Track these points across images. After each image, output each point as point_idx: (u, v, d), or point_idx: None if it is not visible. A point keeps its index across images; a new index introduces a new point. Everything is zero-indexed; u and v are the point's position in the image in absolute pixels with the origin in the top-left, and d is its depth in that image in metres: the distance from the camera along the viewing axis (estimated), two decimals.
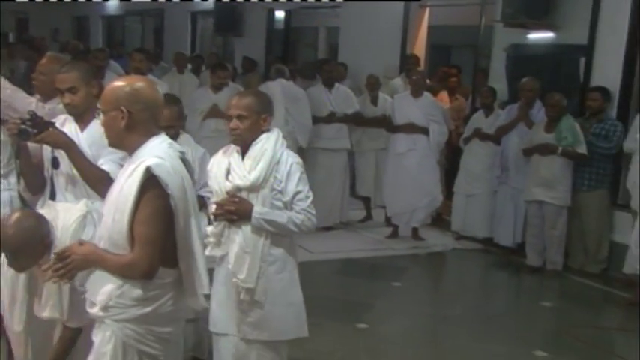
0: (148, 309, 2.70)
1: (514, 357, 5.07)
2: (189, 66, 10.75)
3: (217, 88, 7.80)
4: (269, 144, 3.36)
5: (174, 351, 2.88)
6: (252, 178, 3.32)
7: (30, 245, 2.97)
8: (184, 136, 4.25)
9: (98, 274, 2.72)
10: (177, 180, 2.66)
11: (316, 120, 7.86)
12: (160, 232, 2.64)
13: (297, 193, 3.37)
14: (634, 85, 7.16)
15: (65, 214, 3.15)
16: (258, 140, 3.37)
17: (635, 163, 6.41)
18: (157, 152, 2.66)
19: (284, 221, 3.33)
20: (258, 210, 3.31)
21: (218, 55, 12.99)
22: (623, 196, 6.96)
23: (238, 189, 3.35)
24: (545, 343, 5.34)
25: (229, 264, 3.39)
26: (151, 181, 2.60)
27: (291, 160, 3.38)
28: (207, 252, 3.43)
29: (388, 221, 8.13)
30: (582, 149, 6.74)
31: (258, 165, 3.33)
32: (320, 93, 8.05)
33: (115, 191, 2.71)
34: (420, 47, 10.08)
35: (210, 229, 3.44)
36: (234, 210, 3.32)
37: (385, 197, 7.94)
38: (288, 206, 3.37)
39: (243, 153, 3.40)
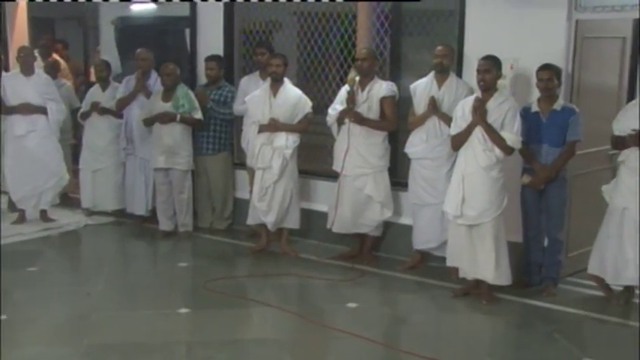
0: None
1: (160, 318, 5.26)
2: None
3: None
4: None
5: None
6: None
7: None
8: None
9: None
10: None
11: None
12: None
13: None
14: (235, 52, 7.78)
15: None
16: None
17: (247, 124, 7.04)
18: None
19: None
20: None
21: None
22: (239, 155, 7.56)
23: None
24: (188, 301, 5.67)
25: None
26: None
27: None
28: None
29: (13, 207, 7.79)
30: (198, 115, 7.14)
31: None
32: None
33: None
34: (21, 21, 9.64)
35: None
36: None
37: (8, 182, 7.57)
38: None
39: None
